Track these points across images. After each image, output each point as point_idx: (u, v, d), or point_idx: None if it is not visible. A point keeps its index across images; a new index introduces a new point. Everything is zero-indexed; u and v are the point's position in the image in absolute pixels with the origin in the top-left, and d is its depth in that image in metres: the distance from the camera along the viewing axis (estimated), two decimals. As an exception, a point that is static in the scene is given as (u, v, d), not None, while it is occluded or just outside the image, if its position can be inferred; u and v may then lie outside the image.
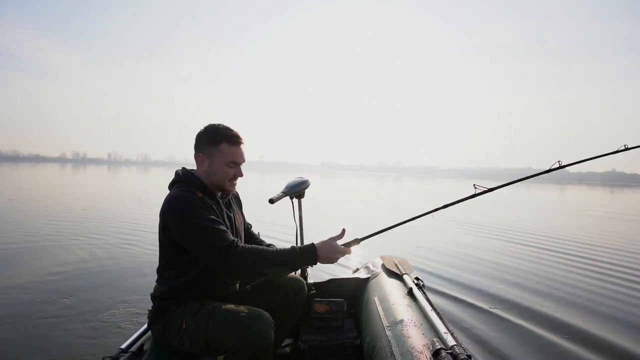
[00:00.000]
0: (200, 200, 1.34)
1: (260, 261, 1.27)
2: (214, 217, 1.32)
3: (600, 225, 10.76)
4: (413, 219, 1.49)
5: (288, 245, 1.36)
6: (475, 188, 1.41)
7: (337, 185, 25.85)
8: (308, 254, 1.32)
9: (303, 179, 1.71)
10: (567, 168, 1.48)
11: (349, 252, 1.40)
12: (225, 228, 1.32)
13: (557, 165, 1.41)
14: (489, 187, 1.42)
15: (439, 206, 1.50)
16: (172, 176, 1.48)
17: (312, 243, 1.35)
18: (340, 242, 1.39)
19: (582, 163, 1.56)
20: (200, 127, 1.44)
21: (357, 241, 1.43)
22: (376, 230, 1.47)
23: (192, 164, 1.48)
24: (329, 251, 1.34)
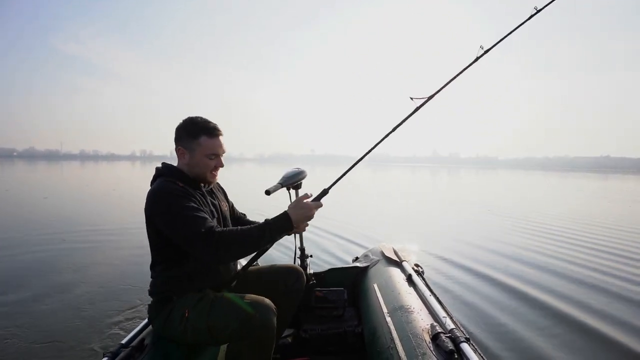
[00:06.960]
0: (182, 190, 1.35)
1: (238, 241, 1.27)
2: (194, 205, 1.33)
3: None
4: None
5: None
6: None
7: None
8: (282, 220, 1.32)
9: (300, 170, 1.70)
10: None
11: (320, 205, 1.39)
12: (205, 215, 1.32)
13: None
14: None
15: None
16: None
17: (285, 210, 1.34)
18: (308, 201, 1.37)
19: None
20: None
21: (325, 192, 1.43)
22: (340, 175, 1.47)
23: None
24: (301, 212, 1.33)
